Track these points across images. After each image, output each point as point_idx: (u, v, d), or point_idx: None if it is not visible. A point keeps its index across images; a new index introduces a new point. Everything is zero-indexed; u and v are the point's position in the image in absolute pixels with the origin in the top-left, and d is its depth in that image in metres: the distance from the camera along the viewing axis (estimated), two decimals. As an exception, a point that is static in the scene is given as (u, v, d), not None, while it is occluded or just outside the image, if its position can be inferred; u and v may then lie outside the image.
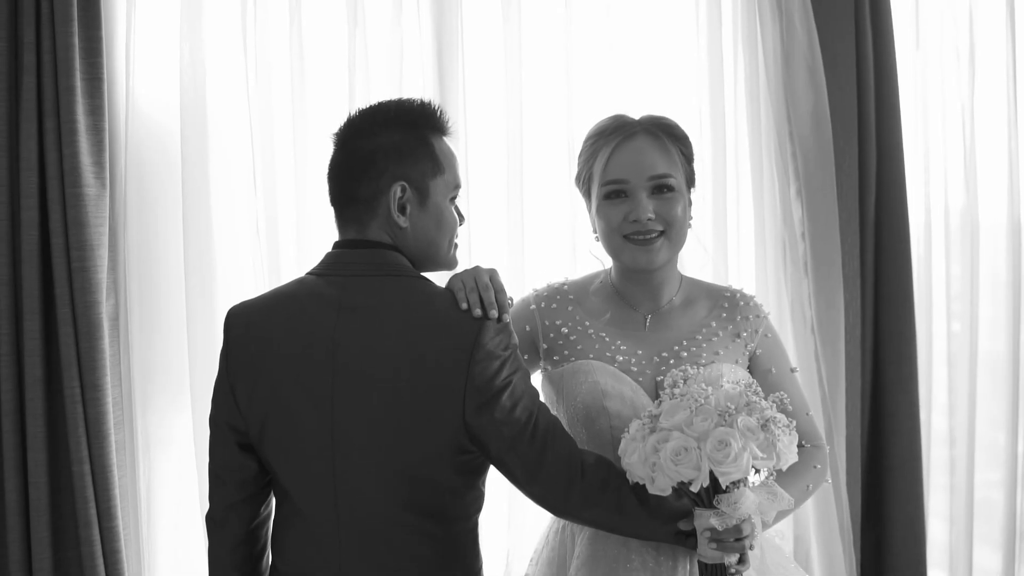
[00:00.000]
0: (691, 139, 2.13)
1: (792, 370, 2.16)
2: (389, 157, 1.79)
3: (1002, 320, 3.42)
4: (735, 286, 2.21)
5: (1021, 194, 3.37)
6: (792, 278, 3.03)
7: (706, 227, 2.96)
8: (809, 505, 3.01)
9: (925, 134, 3.31)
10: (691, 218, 2.09)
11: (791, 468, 1.87)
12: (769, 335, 2.15)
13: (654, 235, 2.01)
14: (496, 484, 1.91)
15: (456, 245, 1.91)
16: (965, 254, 3.35)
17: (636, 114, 2.12)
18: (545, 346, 2.09)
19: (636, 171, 2.01)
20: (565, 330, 2.08)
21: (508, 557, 2.86)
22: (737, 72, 3.04)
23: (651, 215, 2.00)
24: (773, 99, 3.00)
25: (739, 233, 3.07)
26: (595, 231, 2.11)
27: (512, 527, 2.85)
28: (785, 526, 2.97)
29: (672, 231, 2.02)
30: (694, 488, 1.73)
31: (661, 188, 2.01)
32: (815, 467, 2.08)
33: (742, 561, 1.80)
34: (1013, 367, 3.41)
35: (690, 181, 2.09)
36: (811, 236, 3.02)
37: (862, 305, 3.10)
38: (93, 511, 2.56)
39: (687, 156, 2.08)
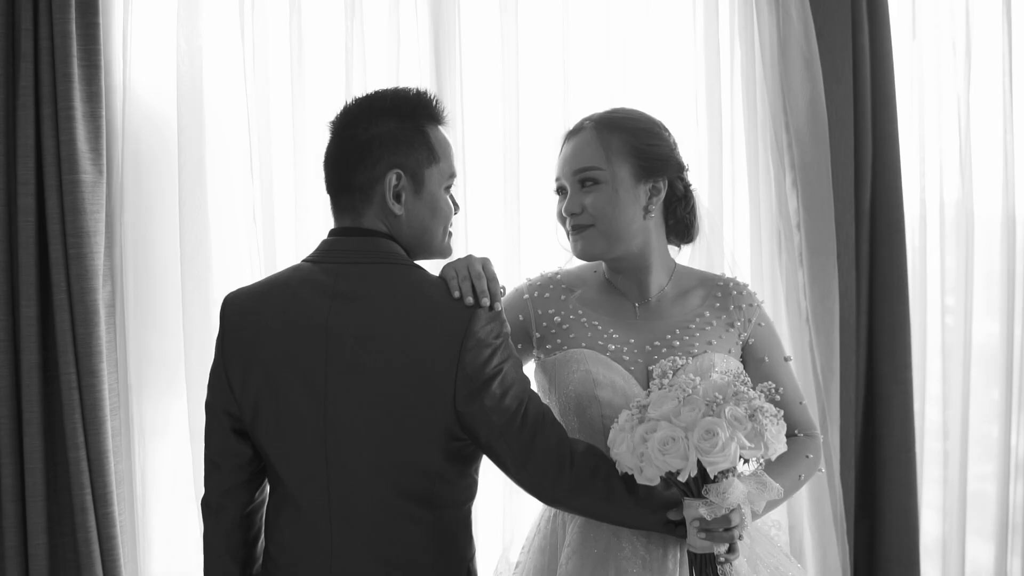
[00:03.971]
0: (665, 126, 2.11)
1: (786, 359, 2.17)
2: (385, 145, 1.80)
3: (996, 313, 3.43)
4: (729, 275, 2.22)
5: (1016, 186, 3.37)
6: (787, 268, 3.03)
7: (701, 216, 2.96)
8: (803, 495, 3.02)
9: (921, 125, 3.31)
10: (651, 209, 2.06)
11: (783, 458, 1.88)
12: (763, 324, 2.15)
13: (584, 227, 2.04)
14: (493, 473, 1.92)
15: (451, 233, 1.92)
16: (960, 247, 3.36)
17: (633, 103, 2.13)
18: (538, 335, 2.10)
19: (565, 168, 2.08)
20: (558, 319, 2.09)
21: (505, 545, 2.87)
22: (733, 63, 3.03)
23: (576, 209, 2.04)
24: (769, 90, 3.00)
25: (734, 223, 3.07)
26: None
27: (508, 515, 2.85)
28: (779, 515, 2.98)
29: (600, 222, 2.03)
30: (682, 478, 1.73)
31: (584, 181, 2.04)
32: (807, 456, 2.09)
33: (731, 551, 1.82)
34: (1007, 360, 3.42)
35: (643, 172, 2.04)
36: (806, 226, 3.02)
37: (857, 295, 3.11)
38: (89, 497, 2.57)
39: (636, 147, 2.04)
